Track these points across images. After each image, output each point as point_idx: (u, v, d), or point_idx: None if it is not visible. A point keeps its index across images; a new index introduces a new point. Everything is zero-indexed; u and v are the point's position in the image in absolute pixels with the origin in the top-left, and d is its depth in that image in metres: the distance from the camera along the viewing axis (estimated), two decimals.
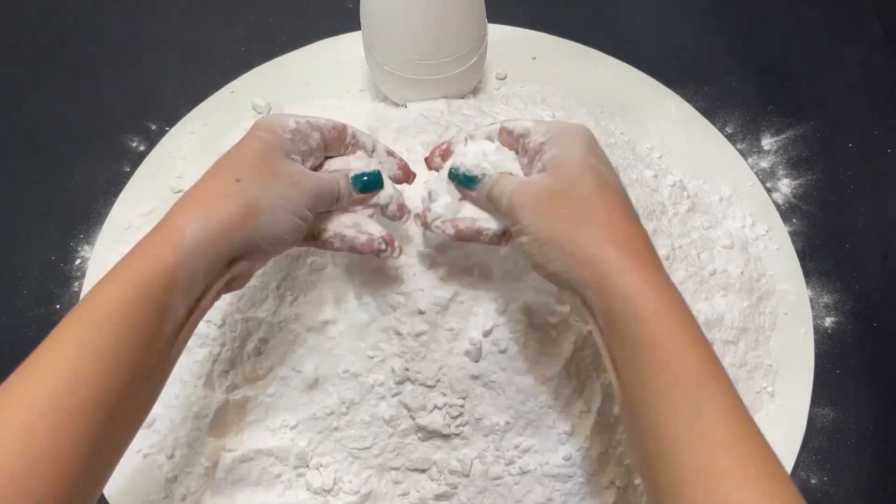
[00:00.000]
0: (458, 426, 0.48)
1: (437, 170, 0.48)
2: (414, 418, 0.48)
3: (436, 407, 0.48)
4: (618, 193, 0.38)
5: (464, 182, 0.43)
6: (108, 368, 0.33)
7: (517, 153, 0.44)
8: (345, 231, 0.43)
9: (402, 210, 0.45)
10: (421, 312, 0.47)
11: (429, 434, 0.49)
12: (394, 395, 0.49)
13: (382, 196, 0.44)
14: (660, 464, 0.32)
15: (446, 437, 0.49)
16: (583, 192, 0.37)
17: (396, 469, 0.50)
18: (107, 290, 0.35)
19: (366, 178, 0.43)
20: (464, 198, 0.44)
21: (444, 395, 0.48)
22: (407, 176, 0.48)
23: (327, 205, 0.43)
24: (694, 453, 0.31)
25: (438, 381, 0.48)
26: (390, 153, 0.48)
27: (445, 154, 0.47)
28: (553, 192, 0.38)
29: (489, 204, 0.43)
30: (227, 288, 0.40)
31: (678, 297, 0.35)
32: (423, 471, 0.50)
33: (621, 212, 0.37)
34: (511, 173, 0.43)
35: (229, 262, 0.38)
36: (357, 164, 0.45)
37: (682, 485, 0.31)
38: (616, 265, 0.35)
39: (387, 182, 0.44)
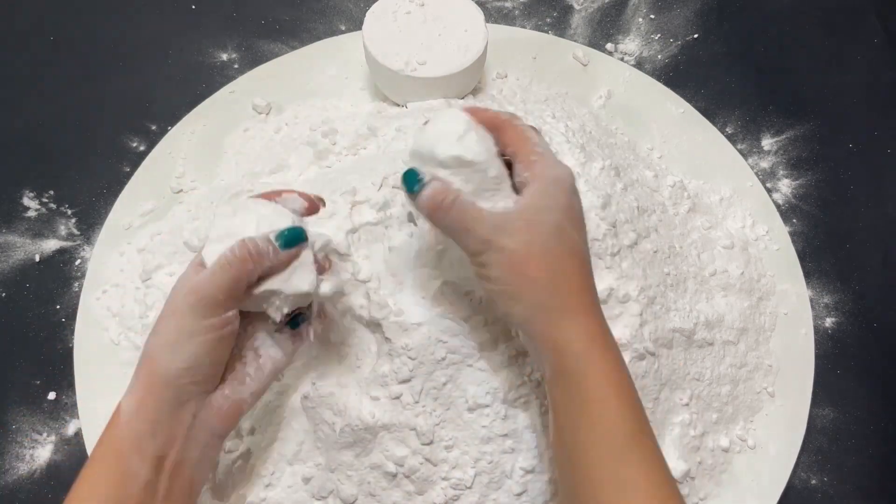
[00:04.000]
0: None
1: None
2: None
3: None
4: (578, 255, 0.40)
5: (404, 183, 0.39)
6: None
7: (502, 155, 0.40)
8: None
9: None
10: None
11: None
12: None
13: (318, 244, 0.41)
14: (585, 502, 0.37)
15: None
16: (556, 258, 0.38)
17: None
18: None
19: (287, 233, 0.39)
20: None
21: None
22: (314, 206, 0.43)
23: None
24: (617, 496, 0.36)
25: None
26: (288, 192, 0.43)
27: None
28: (530, 255, 0.38)
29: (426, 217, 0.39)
30: None
31: (619, 356, 0.39)
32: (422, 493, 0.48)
33: (581, 273, 0.40)
34: (477, 206, 0.38)
35: None
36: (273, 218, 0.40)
37: None
38: (572, 336, 0.38)
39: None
